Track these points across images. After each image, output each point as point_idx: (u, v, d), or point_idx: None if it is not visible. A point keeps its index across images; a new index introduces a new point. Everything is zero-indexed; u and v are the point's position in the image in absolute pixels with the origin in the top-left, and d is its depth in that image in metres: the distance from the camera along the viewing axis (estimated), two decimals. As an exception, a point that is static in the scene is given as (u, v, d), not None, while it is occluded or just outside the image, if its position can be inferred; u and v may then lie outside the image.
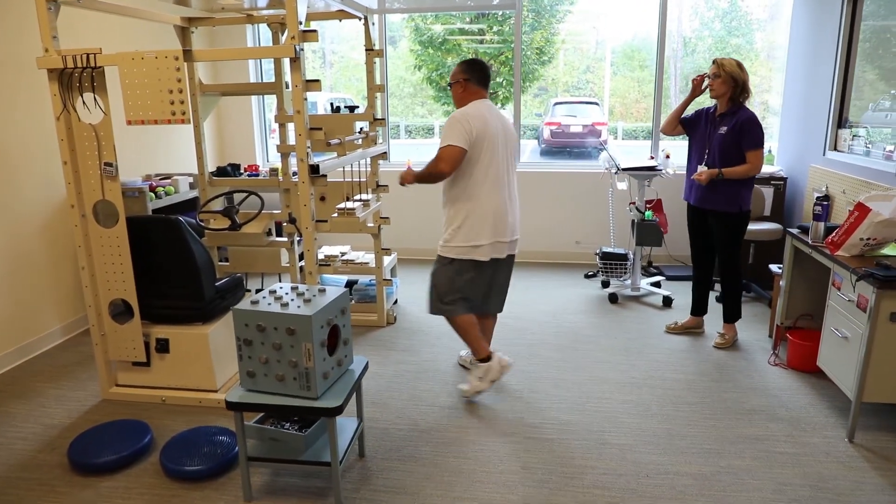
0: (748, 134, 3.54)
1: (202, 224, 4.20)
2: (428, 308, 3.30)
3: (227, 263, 4.39)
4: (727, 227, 3.71)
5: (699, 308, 4.10)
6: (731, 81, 3.56)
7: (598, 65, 14.90)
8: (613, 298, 4.74)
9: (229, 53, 2.68)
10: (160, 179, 4.84)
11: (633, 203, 4.73)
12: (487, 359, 3.25)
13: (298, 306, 2.33)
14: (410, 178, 3.14)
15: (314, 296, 2.44)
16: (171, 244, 3.20)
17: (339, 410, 2.32)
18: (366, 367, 2.67)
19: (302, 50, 2.69)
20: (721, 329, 4.00)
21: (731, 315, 3.92)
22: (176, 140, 5.38)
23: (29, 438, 3.02)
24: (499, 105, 9.40)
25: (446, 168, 2.94)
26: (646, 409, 3.17)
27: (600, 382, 3.46)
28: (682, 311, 4.51)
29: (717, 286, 4.73)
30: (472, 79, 3.13)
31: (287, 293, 2.48)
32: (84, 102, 2.95)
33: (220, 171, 5.51)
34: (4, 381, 3.63)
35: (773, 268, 3.97)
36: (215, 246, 4.26)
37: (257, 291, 4.42)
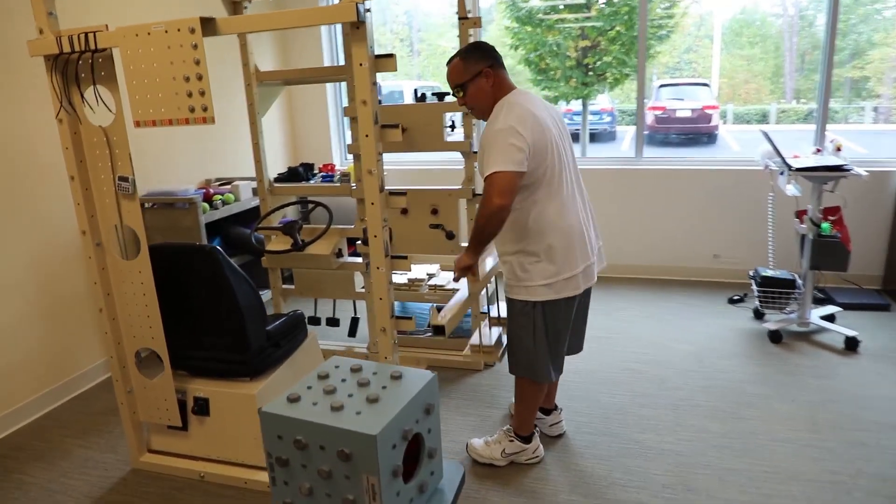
0: None
1: (258, 240, 3.49)
2: (510, 367, 2.53)
3: (293, 287, 3.64)
4: None
5: None
6: None
7: (701, 43, 13.38)
8: (776, 337, 3.64)
9: (265, 21, 1.89)
10: (219, 185, 4.18)
11: (805, 212, 3.61)
12: (528, 439, 2.59)
13: (358, 412, 1.48)
14: (469, 258, 2.32)
15: (384, 388, 1.60)
16: (206, 280, 2.46)
17: (420, 581, 1.46)
18: (462, 483, 1.80)
19: (368, 11, 1.83)
20: (952, 395, 2.86)
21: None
22: (244, 138, 4.68)
23: (33, 528, 2.37)
24: (606, 90, 8.28)
25: (502, 201, 2.11)
26: (871, 534, 2.13)
27: (787, 479, 2.43)
28: (872, 357, 3.37)
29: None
30: (497, 63, 2.31)
31: (344, 380, 1.65)
32: (84, 98, 2.22)
33: (291, 173, 4.81)
34: (30, 434, 3.04)
35: None
36: (278, 267, 3.53)
37: (328, 322, 3.65)
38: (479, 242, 2.25)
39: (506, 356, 2.67)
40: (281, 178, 4.76)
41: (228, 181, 4.25)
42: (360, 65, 1.86)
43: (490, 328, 2.86)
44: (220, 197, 3.90)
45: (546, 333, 2.35)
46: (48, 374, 3.26)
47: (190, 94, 1.93)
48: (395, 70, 1.91)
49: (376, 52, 1.93)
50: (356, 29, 1.83)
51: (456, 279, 2.40)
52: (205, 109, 1.93)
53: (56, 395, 3.30)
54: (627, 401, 3.06)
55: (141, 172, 3.82)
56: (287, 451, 1.51)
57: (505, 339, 2.81)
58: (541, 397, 2.53)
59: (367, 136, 1.93)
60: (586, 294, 2.49)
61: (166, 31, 1.90)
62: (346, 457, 1.43)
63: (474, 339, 2.73)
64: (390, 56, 1.91)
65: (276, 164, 5.16)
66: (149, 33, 1.92)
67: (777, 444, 2.66)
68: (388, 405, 1.50)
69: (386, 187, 2.11)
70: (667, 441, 2.71)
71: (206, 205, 3.73)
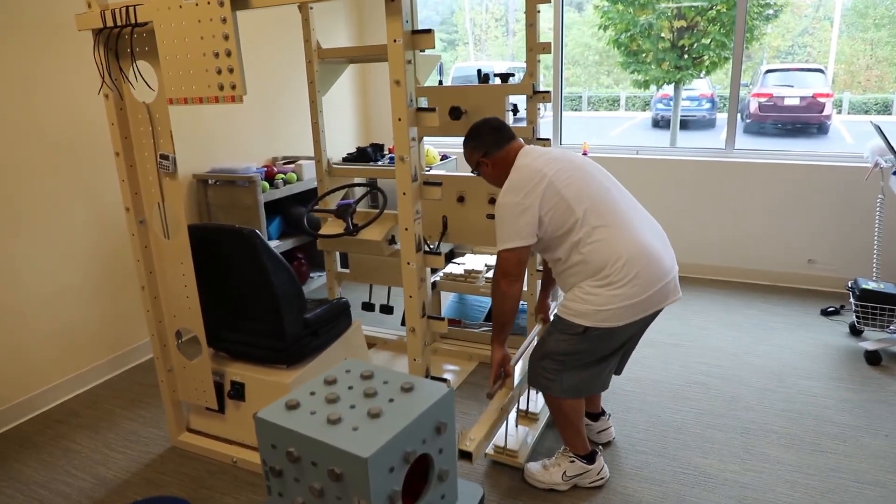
0: None
1: (311, 222, 3.41)
2: (530, 378, 2.30)
3: (347, 271, 3.56)
4: None
5: None
6: None
7: (819, 25, 12.31)
8: (874, 359, 3.22)
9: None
10: (284, 164, 4.15)
11: (919, 219, 3.16)
12: (590, 458, 2.32)
13: (355, 427, 1.34)
14: (498, 351, 2.22)
15: (391, 400, 1.45)
16: (243, 264, 2.39)
17: None
18: (479, 506, 1.64)
19: (404, -18, 1.66)
20: None
21: None
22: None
23: (71, 497, 2.41)
24: (702, 73, 7.72)
25: (507, 279, 2.11)
26: None
27: (871, 528, 2.12)
28: None
29: None
30: (491, 148, 2.23)
31: (351, 388, 1.51)
32: (123, 74, 2.18)
33: (360, 153, 4.74)
34: (87, 401, 3.12)
35: None
36: (332, 250, 3.45)
37: (382, 309, 3.54)
38: (500, 328, 2.20)
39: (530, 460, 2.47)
40: (350, 159, 4.70)
41: (293, 160, 4.21)
42: (395, 41, 1.69)
43: (517, 427, 2.62)
44: (282, 176, 3.86)
45: (579, 359, 2.13)
46: (113, 341, 3.36)
47: (219, 71, 1.83)
48: (433, 47, 1.73)
49: (431, 29, 1.75)
50: (391, 2, 1.67)
51: (492, 391, 2.22)
52: (233, 87, 1.83)
53: (119, 362, 3.40)
54: (691, 419, 2.78)
55: (209, 148, 3.86)
56: (281, 461, 1.40)
57: (531, 439, 2.60)
58: (574, 410, 2.25)
59: (399, 119, 1.77)
60: (649, 319, 2.21)
61: (197, 4, 1.80)
62: (337, 477, 1.29)
63: (499, 440, 2.51)
64: (428, 32, 1.73)
65: (347, 144, 5.11)
66: (181, 6, 1.84)
67: (862, 486, 2.32)
68: (389, 422, 1.35)
69: (430, 172, 1.95)
70: (730, 469, 2.43)
71: (266, 183, 3.69)
